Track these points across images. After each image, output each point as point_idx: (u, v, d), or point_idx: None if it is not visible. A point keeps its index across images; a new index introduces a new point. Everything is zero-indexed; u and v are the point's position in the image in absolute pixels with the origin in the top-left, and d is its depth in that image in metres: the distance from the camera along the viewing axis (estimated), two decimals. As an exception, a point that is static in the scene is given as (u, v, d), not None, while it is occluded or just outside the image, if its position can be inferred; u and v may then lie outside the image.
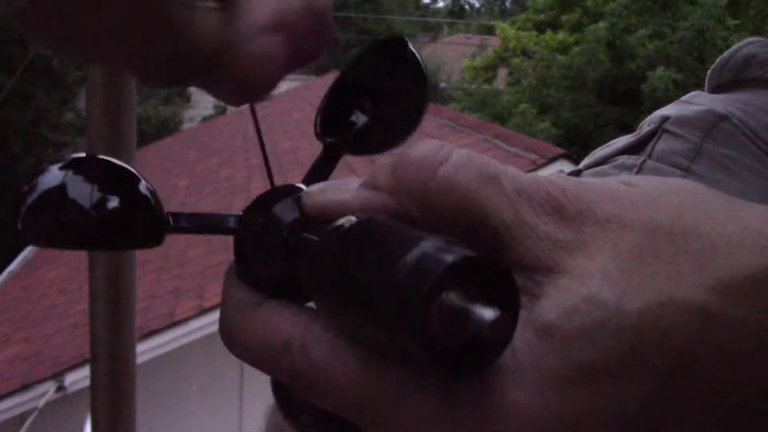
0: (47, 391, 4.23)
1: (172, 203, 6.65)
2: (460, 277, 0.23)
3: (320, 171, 0.36)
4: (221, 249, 5.01)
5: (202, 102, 19.46)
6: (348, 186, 0.29)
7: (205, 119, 17.01)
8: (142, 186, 0.32)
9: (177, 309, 4.56)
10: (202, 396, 4.89)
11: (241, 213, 0.33)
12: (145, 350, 4.11)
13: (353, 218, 0.27)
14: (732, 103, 0.56)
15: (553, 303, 0.24)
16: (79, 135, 12.23)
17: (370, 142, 0.36)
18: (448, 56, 22.03)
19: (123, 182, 0.31)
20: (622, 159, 0.55)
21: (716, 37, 12.60)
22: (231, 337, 0.30)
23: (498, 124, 11.04)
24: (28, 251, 7.67)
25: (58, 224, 0.30)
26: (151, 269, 5.17)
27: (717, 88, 0.61)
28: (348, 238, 0.26)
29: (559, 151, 5.19)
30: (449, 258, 0.23)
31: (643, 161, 0.53)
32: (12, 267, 7.31)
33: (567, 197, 0.26)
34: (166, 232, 0.32)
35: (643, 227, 0.25)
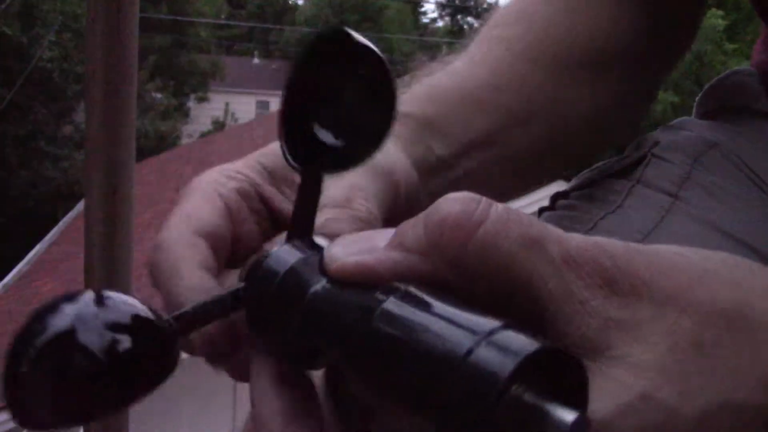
0: (39, 405, 4.20)
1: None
2: (531, 368, 0.20)
3: (306, 202, 0.32)
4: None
5: (201, 117, 19.47)
6: (374, 244, 0.26)
7: (203, 135, 17.03)
8: (147, 318, 0.28)
9: (171, 324, 4.53)
10: (195, 413, 4.86)
11: (244, 284, 0.30)
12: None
13: (392, 294, 0.24)
14: (721, 131, 0.56)
15: (608, 398, 0.22)
16: (77, 149, 12.23)
17: (344, 157, 0.31)
18: (446, 76, 22.08)
19: (128, 328, 0.27)
20: (611, 183, 0.54)
21: (714, 61, 12.67)
22: None
23: (495, 144, 11.03)
24: (24, 264, 7.64)
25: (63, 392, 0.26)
26: (146, 283, 5.15)
27: (705, 115, 0.60)
28: (394, 321, 0.23)
29: (557, 172, 5.18)
30: (525, 348, 0.20)
31: (632, 186, 0.53)
32: (7, 279, 7.28)
33: (618, 268, 0.24)
34: (180, 350, 0.29)
35: (701, 312, 0.23)
